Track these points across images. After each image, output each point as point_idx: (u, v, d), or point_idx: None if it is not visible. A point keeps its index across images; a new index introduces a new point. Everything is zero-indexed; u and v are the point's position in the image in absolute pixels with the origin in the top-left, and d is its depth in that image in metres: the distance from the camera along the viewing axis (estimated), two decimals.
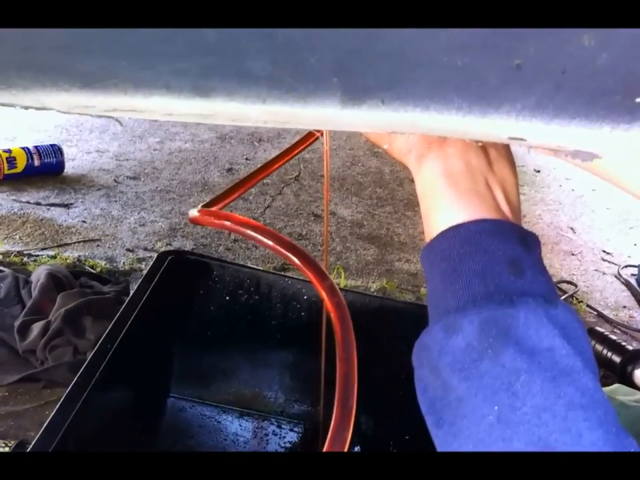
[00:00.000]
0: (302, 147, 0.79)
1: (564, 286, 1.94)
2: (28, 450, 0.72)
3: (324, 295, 0.56)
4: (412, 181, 0.59)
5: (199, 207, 0.67)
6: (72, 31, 0.36)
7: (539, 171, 2.79)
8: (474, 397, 0.45)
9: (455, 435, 0.46)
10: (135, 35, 0.35)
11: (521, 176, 2.65)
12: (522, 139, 0.43)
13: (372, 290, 1.74)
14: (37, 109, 0.44)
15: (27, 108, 0.44)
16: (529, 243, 0.52)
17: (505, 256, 0.50)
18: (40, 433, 0.72)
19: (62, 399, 0.77)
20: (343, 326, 0.55)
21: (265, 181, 2.21)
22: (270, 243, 0.60)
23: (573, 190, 2.67)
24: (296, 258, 0.59)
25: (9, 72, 0.40)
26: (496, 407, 0.44)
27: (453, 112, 0.39)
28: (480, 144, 0.55)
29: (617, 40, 0.35)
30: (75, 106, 0.43)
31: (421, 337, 0.51)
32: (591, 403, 0.44)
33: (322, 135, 0.76)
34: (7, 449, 1.00)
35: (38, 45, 0.37)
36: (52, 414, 0.75)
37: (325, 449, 0.47)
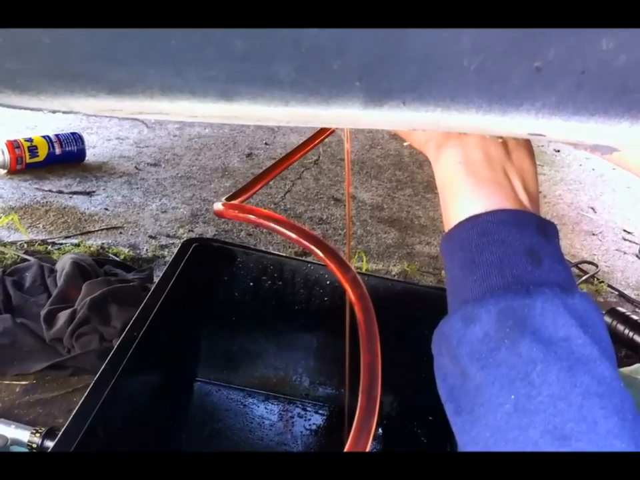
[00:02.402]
0: (323, 136, 0.80)
1: (585, 266, 1.93)
2: (58, 436, 0.73)
3: (347, 286, 0.58)
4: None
5: (223, 200, 0.68)
6: (102, 40, 0.37)
7: (558, 151, 2.78)
8: (491, 386, 0.47)
9: (472, 422, 0.48)
10: (163, 43, 0.36)
11: (540, 156, 2.65)
12: (541, 135, 0.43)
13: (393, 273, 1.75)
14: (64, 112, 0.45)
15: (54, 112, 0.46)
16: (547, 231, 0.53)
17: (523, 246, 0.51)
18: (69, 419, 0.74)
19: (90, 386, 0.78)
20: (366, 317, 0.56)
21: None
22: (293, 236, 0.61)
23: (593, 169, 2.65)
24: (319, 250, 0.60)
25: (39, 80, 0.41)
26: (513, 396, 0.45)
27: (473, 111, 0.40)
28: (500, 140, 0.55)
29: (634, 41, 0.36)
30: (101, 109, 0.44)
31: (440, 326, 0.52)
32: (607, 391, 0.45)
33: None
34: (37, 435, 1.02)
35: (69, 54, 0.38)
36: (81, 400, 0.76)
37: (351, 437, 0.48)
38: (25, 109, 0.44)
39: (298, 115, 0.42)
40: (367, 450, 0.47)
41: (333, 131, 0.77)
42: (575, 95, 0.39)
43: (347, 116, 0.41)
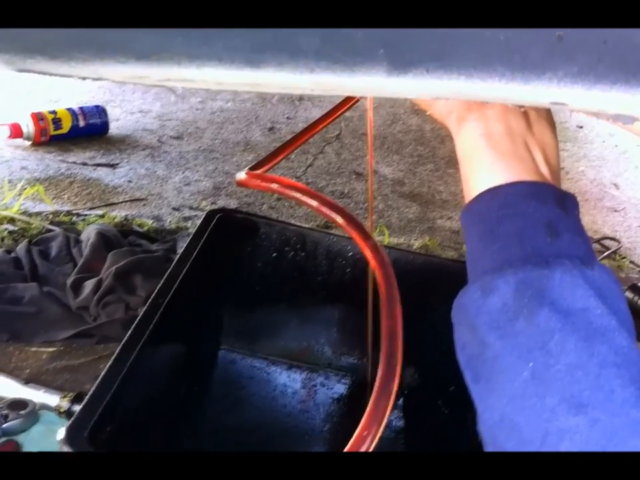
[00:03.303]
0: (344, 108, 0.81)
1: (607, 242, 1.92)
2: (84, 401, 0.74)
3: (368, 253, 0.59)
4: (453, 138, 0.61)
5: (246, 169, 0.69)
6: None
7: (581, 127, 2.76)
8: (509, 355, 0.47)
9: (491, 390, 0.48)
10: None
11: (563, 132, 2.64)
12: (563, 104, 0.44)
13: (414, 247, 1.75)
14: (94, 79, 0.46)
15: (84, 79, 0.46)
16: (567, 204, 0.53)
17: (542, 218, 0.51)
18: (96, 384, 0.75)
19: (116, 352, 0.79)
20: (387, 283, 0.57)
21: None
22: (315, 204, 0.62)
23: (616, 146, 2.63)
24: (340, 218, 0.61)
25: (69, 48, 0.41)
26: (530, 365, 0.46)
27: (496, 80, 0.40)
28: (522, 109, 0.56)
29: None
30: (130, 76, 0.45)
31: (459, 296, 0.53)
32: (625, 361, 0.45)
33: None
34: (66, 400, 1.04)
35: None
36: (107, 366, 0.77)
37: (372, 400, 0.49)
38: (56, 75, 0.45)
39: (323, 83, 0.42)
40: (388, 412, 0.48)
41: (357, 101, 0.78)
42: (596, 65, 0.39)
43: (371, 84, 0.42)
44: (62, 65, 0.44)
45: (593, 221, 2.02)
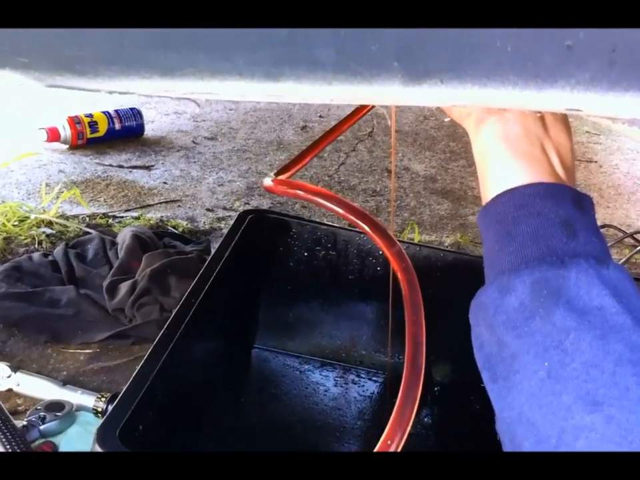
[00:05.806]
0: (365, 110, 0.82)
1: None
2: (118, 399, 0.75)
3: (392, 260, 0.60)
4: None
5: (272, 175, 0.70)
6: (155, 29, 0.39)
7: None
8: (526, 354, 0.48)
9: (508, 389, 0.49)
10: (213, 31, 0.39)
11: (597, 125, 2.59)
12: (578, 110, 0.45)
13: (446, 244, 1.76)
14: (121, 93, 0.48)
15: (111, 93, 0.48)
16: (584, 204, 0.54)
17: (558, 218, 0.52)
18: (128, 383, 0.76)
19: (149, 352, 0.81)
20: (411, 289, 0.58)
21: (338, 138, 2.23)
22: (341, 211, 0.63)
23: None
24: (365, 225, 0.62)
25: (96, 65, 0.43)
26: (546, 363, 0.47)
27: (509, 88, 0.41)
28: (539, 115, 0.57)
29: None
30: (155, 90, 0.47)
31: (477, 296, 0.54)
32: None
33: None
34: (102, 400, 1.06)
35: (124, 42, 0.40)
36: (139, 365, 0.78)
37: (396, 407, 0.50)
38: (84, 90, 0.47)
39: (341, 94, 0.44)
40: (412, 420, 0.49)
41: (371, 109, 0.79)
42: (608, 71, 0.40)
43: (388, 94, 0.43)
44: (89, 81, 0.45)
45: (627, 214, 2.00)
